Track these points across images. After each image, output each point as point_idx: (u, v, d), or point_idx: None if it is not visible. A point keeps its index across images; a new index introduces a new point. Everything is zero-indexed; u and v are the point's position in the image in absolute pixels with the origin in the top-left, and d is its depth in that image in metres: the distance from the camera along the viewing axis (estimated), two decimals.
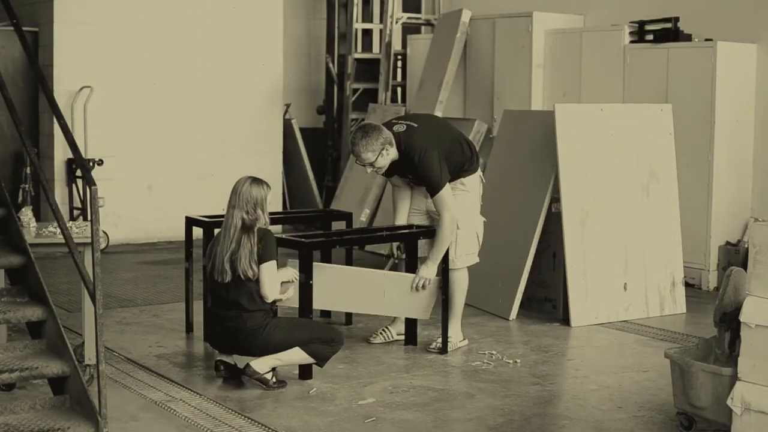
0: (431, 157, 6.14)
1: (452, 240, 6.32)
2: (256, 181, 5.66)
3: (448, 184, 6.21)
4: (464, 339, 6.62)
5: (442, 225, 6.18)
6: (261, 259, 5.56)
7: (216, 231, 6.75)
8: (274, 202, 10.76)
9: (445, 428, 5.08)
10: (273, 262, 5.60)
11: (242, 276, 5.52)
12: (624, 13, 9.28)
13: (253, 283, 5.55)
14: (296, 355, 5.68)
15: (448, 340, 6.45)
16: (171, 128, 10.73)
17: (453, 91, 9.98)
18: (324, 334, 5.73)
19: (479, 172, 6.57)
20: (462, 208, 6.36)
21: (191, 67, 10.76)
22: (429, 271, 6.26)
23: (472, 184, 6.49)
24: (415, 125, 6.31)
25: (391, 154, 6.16)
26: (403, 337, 6.65)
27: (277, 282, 5.66)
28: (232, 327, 5.60)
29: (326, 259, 7.20)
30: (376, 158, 6.11)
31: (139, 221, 10.52)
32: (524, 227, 7.49)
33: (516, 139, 7.90)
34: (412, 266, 6.43)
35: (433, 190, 6.17)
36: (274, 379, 5.65)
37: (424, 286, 6.28)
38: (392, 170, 6.36)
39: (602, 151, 7.37)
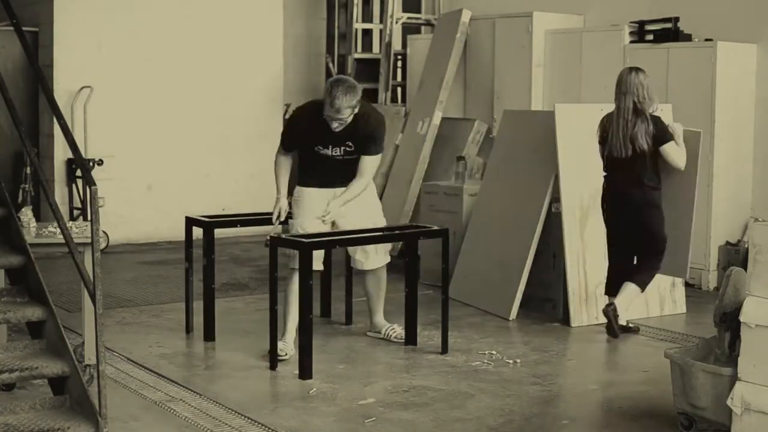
0: (384, 128, 6.50)
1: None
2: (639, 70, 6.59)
3: (380, 156, 6.48)
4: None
5: (358, 183, 6.31)
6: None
7: (216, 231, 6.78)
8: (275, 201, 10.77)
9: (445, 428, 5.08)
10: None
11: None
12: (624, 13, 9.28)
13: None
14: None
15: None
16: (171, 128, 10.73)
17: (453, 91, 9.98)
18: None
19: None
20: (374, 207, 6.56)
21: (191, 67, 10.76)
22: (334, 205, 6.27)
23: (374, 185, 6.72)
24: (368, 105, 6.71)
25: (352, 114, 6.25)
26: (379, 335, 6.73)
27: None
28: None
29: (327, 258, 7.21)
30: (349, 116, 6.20)
31: (139, 221, 10.51)
32: (524, 227, 7.49)
33: (516, 139, 7.90)
34: (413, 267, 6.44)
35: (373, 150, 6.36)
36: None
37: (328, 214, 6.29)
38: (335, 135, 6.25)
39: None
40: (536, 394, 5.62)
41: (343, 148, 6.33)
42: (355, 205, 6.40)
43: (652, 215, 6.68)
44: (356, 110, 6.22)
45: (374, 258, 6.57)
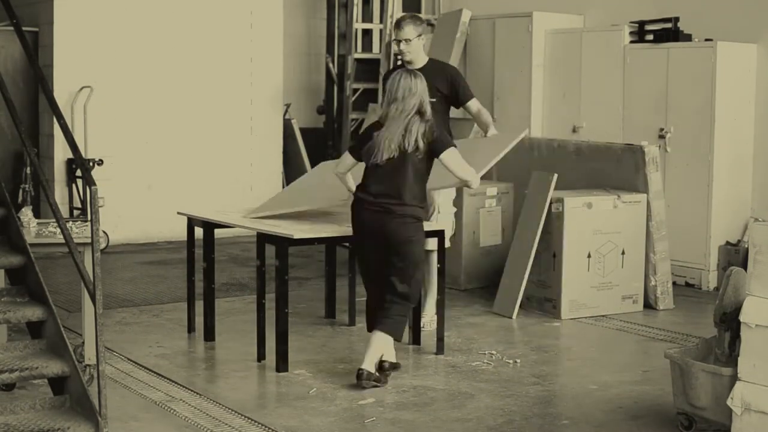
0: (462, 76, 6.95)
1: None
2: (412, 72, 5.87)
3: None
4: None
5: (486, 116, 6.92)
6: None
7: (216, 231, 6.79)
8: None
9: (445, 428, 5.08)
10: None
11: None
12: (624, 13, 9.28)
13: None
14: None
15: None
16: (171, 128, 10.73)
17: None
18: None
19: None
20: (443, 194, 6.82)
21: (191, 67, 10.76)
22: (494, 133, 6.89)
23: None
24: None
25: (422, 49, 6.77)
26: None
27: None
28: None
29: (331, 257, 7.23)
30: (416, 37, 6.69)
31: (139, 221, 10.51)
32: (524, 227, 7.50)
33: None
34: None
35: (468, 96, 6.90)
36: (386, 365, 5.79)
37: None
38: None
39: None
40: (536, 394, 5.62)
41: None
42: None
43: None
44: (421, 39, 6.69)
45: None
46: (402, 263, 5.75)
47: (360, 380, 5.61)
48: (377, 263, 5.85)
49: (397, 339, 5.85)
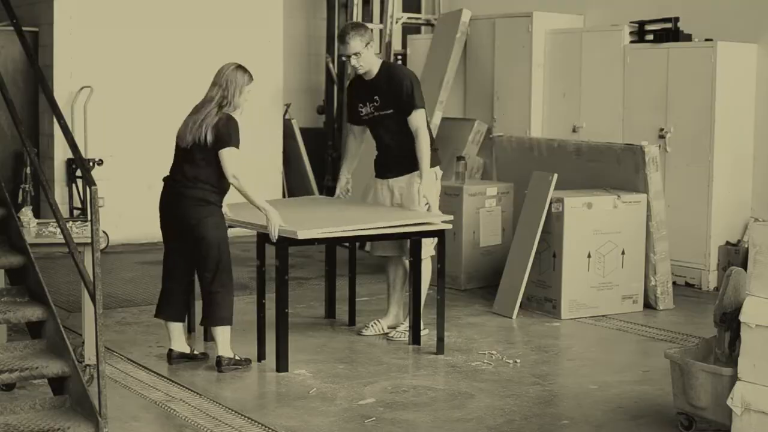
0: (415, 81, 6.49)
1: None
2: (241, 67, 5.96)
3: (423, 110, 6.46)
4: (425, 327, 6.71)
5: (420, 140, 6.40)
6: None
7: None
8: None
9: (445, 428, 5.08)
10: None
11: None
12: (624, 13, 9.28)
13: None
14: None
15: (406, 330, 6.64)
16: (171, 128, 10.67)
17: (453, 91, 9.98)
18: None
19: (436, 168, 6.67)
20: (414, 199, 6.56)
21: (191, 67, 10.74)
22: (426, 185, 6.40)
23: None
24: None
25: (373, 57, 6.49)
26: (393, 332, 6.73)
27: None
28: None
29: (331, 257, 7.22)
30: (364, 47, 6.40)
31: (139, 221, 10.50)
32: (524, 227, 7.50)
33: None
34: (416, 266, 6.45)
35: (412, 106, 6.42)
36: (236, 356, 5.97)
37: (429, 205, 6.41)
38: (358, 90, 6.62)
39: None
40: (536, 394, 5.62)
41: (371, 104, 6.58)
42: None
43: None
44: (371, 47, 6.44)
45: (425, 249, 6.59)
46: (200, 249, 5.86)
47: (220, 367, 5.92)
48: (179, 250, 5.99)
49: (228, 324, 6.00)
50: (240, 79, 5.94)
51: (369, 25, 6.62)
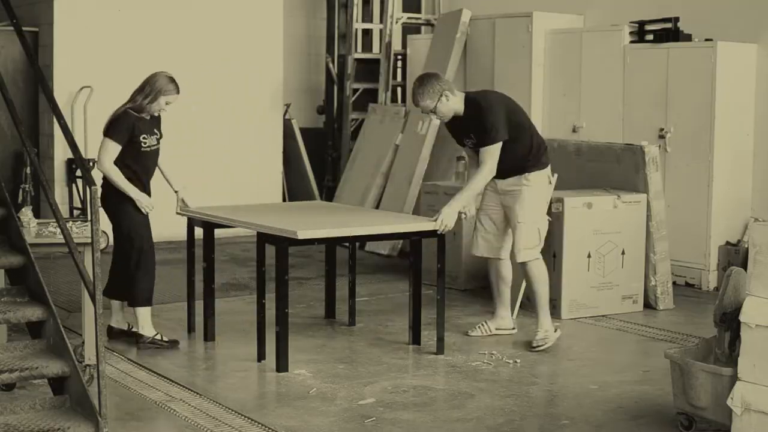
0: (497, 111, 6.35)
1: (516, 232, 6.54)
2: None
3: (499, 144, 6.32)
4: (557, 330, 6.66)
5: (480, 172, 6.35)
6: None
7: (216, 231, 6.79)
8: (275, 201, 10.78)
9: (445, 428, 5.08)
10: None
11: None
12: (624, 13, 9.28)
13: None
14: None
15: (546, 336, 6.55)
16: (170, 128, 10.69)
17: None
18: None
19: (547, 171, 6.66)
20: (524, 203, 6.50)
21: (191, 67, 10.74)
22: (449, 210, 6.30)
23: (537, 181, 6.58)
24: (489, 92, 6.80)
25: (452, 102, 6.35)
26: (501, 332, 6.83)
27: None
28: None
29: (330, 257, 7.22)
30: (435, 105, 6.31)
31: None
32: None
33: None
34: (417, 266, 6.45)
35: (487, 140, 6.32)
36: (161, 337, 6.43)
37: (446, 226, 6.27)
38: (455, 128, 6.53)
39: None
40: (536, 394, 5.62)
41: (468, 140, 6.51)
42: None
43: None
44: (444, 98, 6.30)
45: (522, 253, 6.58)
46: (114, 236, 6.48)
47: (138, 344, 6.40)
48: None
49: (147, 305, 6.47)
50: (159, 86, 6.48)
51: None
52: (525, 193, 6.52)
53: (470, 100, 6.43)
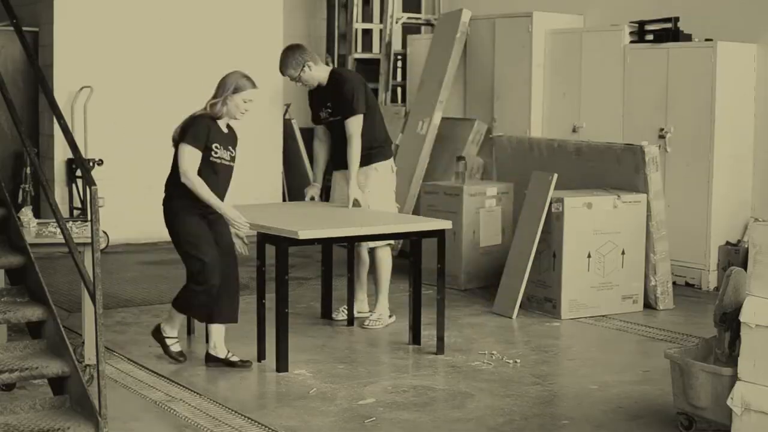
0: (358, 85, 6.83)
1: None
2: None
3: (360, 116, 6.78)
4: (392, 315, 7.04)
5: (351, 147, 6.79)
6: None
7: None
8: (275, 201, 10.78)
9: (445, 428, 5.08)
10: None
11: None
12: (624, 13, 9.28)
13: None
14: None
15: (380, 317, 6.99)
16: (171, 128, 10.69)
17: (453, 91, 9.98)
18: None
19: (391, 162, 7.09)
20: (373, 191, 6.92)
21: (191, 67, 10.75)
22: (354, 190, 6.80)
23: (384, 170, 7.01)
24: (354, 71, 7.43)
25: (314, 71, 6.81)
26: (361, 314, 7.10)
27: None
28: None
29: (327, 257, 7.22)
30: (299, 73, 6.78)
31: (139, 221, 10.50)
32: (524, 227, 7.50)
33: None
34: (417, 266, 6.45)
35: (351, 111, 6.77)
36: (234, 357, 6.05)
37: (358, 203, 6.81)
38: (317, 98, 6.98)
39: None
40: (536, 394, 5.62)
41: (325, 110, 6.94)
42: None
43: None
44: (307, 68, 6.75)
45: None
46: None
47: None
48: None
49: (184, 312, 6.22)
50: (230, 84, 6.03)
51: (303, 49, 6.87)
52: (372, 180, 6.92)
53: (335, 72, 6.96)
